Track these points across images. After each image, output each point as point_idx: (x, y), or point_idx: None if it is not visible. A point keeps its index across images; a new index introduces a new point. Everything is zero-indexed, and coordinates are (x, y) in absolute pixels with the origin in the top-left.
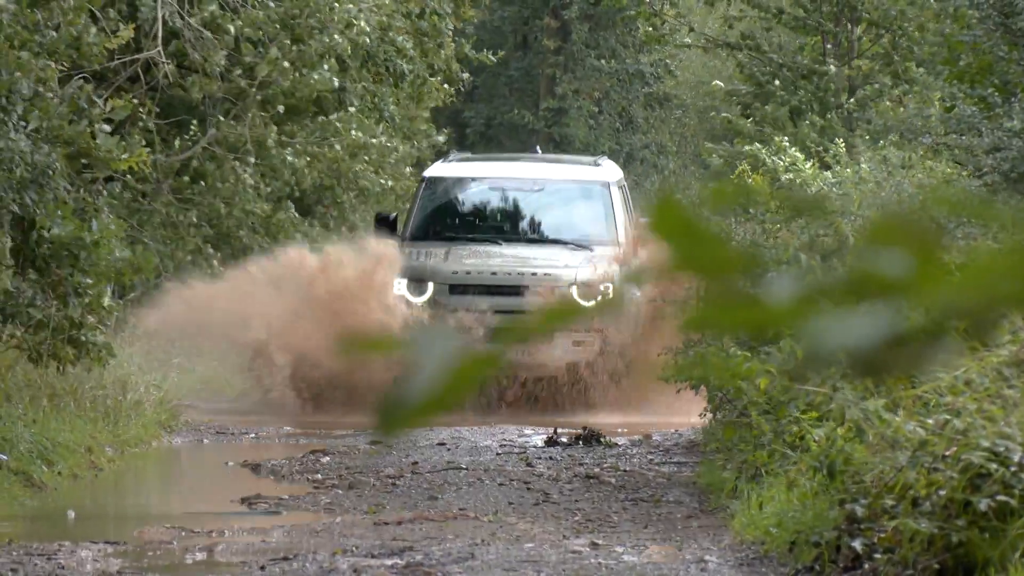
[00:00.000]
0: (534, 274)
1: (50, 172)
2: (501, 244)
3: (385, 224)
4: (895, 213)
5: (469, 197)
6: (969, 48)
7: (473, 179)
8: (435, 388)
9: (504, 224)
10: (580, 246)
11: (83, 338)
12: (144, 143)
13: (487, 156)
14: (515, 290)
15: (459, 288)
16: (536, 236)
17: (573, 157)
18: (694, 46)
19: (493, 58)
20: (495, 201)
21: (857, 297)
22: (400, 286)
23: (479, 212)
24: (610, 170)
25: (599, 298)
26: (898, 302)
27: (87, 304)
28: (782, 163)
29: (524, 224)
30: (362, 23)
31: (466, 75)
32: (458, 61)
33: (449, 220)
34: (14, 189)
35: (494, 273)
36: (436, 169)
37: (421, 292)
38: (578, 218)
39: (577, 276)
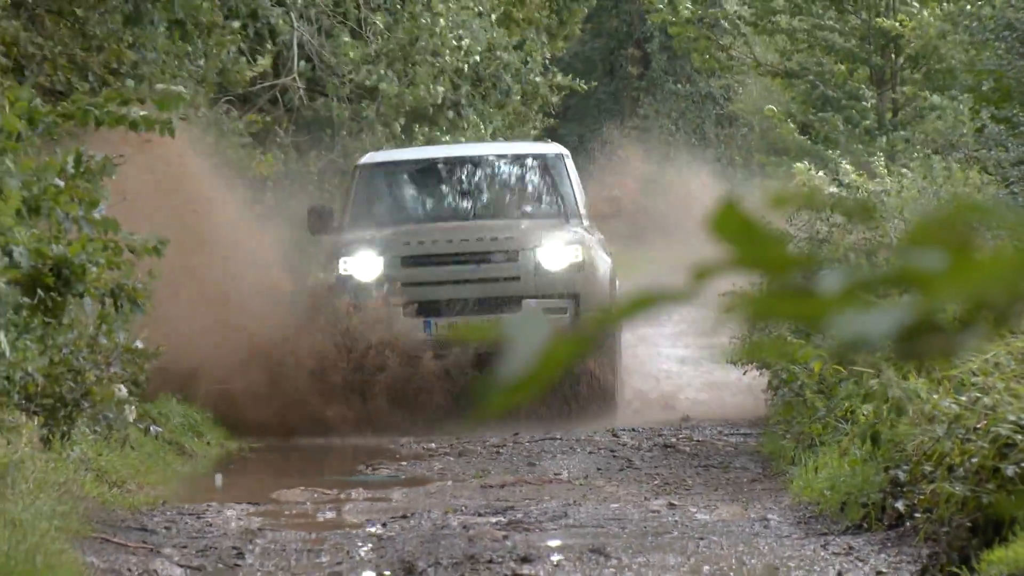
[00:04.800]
0: (494, 239)
1: None
2: (454, 221)
3: (320, 217)
4: (933, 217)
5: (412, 180)
6: (991, 76)
7: (415, 161)
8: (527, 370)
9: (454, 203)
10: (541, 216)
11: None
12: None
13: (425, 146)
14: (475, 257)
15: (413, 259)
16: (492, 211)
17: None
18: (756, 73)
19: (584, 86)
20: (441, 181)
21: (899, 290)
22: (345, 264)
23: (424, 193)
24: (559, 147)
25: (567, 264)
26: (935, 294)
27: None
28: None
29: (476, 200)
30: (469, 40)
31: (555, 98)
32: (551, 88)
33: (392, 205)
34: None
35: (450, 241)
36: (370, 156)
37: (370, 269)
38: (536, 189)
39: (542, 240)
